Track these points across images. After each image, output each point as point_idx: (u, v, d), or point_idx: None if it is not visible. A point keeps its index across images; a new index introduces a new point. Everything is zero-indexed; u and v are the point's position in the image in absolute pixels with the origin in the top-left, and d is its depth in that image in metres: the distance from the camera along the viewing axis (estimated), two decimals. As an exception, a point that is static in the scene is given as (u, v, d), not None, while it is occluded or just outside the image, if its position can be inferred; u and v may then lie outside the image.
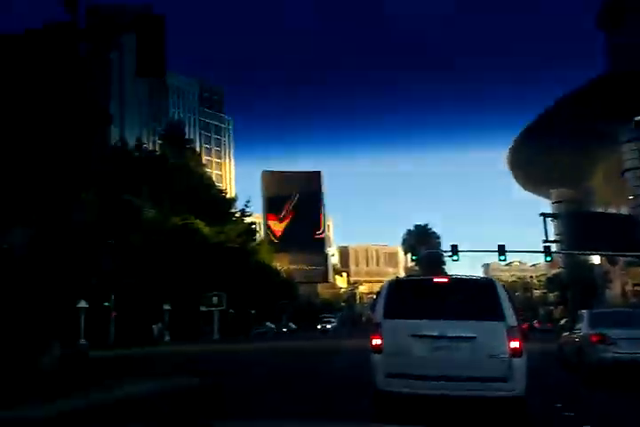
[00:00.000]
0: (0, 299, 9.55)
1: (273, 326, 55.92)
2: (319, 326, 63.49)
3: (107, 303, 36.80)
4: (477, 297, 8.11)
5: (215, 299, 47.46)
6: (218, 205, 56.43)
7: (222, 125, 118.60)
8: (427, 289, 8.40)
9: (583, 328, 13.69)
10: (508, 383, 7.27)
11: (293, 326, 64.50)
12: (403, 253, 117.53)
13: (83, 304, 33.49)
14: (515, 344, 7.40)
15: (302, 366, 16.63)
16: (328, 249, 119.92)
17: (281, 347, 29.71)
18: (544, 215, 37.67)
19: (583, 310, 15.47)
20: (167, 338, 39.92)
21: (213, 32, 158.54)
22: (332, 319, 70.37)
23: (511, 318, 7.59)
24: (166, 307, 41.56)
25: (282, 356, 22.78)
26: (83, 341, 33.84)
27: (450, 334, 7.52)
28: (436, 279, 8.58)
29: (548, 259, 41.04)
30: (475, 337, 7.51)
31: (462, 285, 8.65)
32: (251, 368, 16.56)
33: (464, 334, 7.52)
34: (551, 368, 14.77)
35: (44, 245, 9.45)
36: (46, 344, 9.15)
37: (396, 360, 7.58)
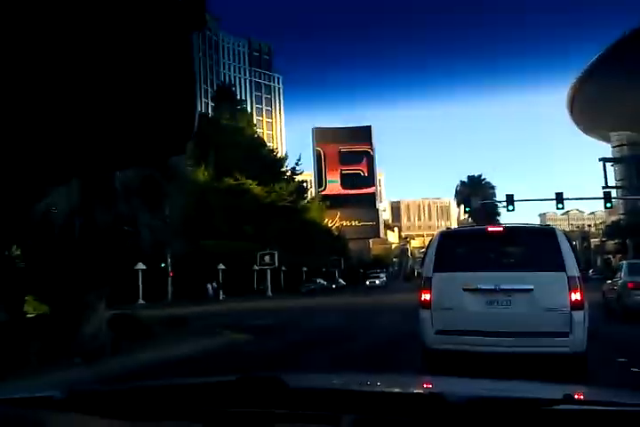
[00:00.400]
0: (44, 263, 9.60)
1: (324, 282, 56.29)
2: (367, 282, 63.47)
3: (163, 264, 37.66)
4: (536, 246, 7.52)
5: (267, 257, 48.02)
6: (269, 165, 56.39)
7: (272, 84, 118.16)
8: (480, 239, 7.86)
9: (623, 277, 15.42)
10: (568, 338, 6.72)
11: (342, 282, 64.62)
12: (455, 205, 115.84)
13: (140, 266, 34.31)
14: (576, 296, 6.82)
15: (346, 323, 16.46)
16: (379, 204, 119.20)
17: (325, 303, 29.82)
18: (604, 160, 35.87)
19: (623, 261, 17.62)
20: (222, 296, 40.71)
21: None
22: (381, 275, 70.03)
23: (572, 268, 7.00)
24: (221, 266, 42.24)
25: (325, 312, 22.76)
26: (141, 301, 34.91)
27: (505, 287, 7.00)
28: (490, 228, 8.02)
29: (609, 205, 39.19)
30: (532, 289, 6.97)
31: (519, 233, 8.06)
32: (298, 324, 16.59)
33: (521, 287, 6.99)
34: (595, 314, 14.65)
35: (88, 209, 9.32)
36: (91, 306, 9.15)
37: (446, 316, 7.12)
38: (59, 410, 1.55)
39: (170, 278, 38.88)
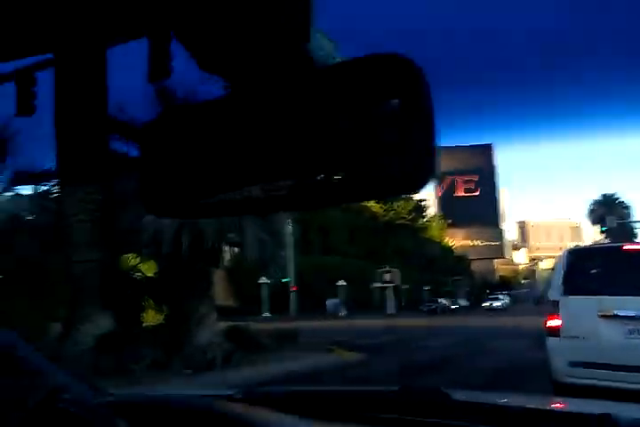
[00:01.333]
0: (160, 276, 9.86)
1: (445, 302, 54.69)
2: (486, 304, 61.02)
3: (285, 279, 38.28)
4: None
5: (388, 275, 47.77)
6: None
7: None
8: (615, 259, 6.94)
9: None
10: None
11: (463, 302, 62.69)
12: (587, 225, 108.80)
13: (264, 280, 35.06)
14: None
15: (464, 346, 15.63)
16: (503, 224, 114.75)
17: (444, 323, 28.90)
18: None
19: None
20: (343, 312, 40.67)
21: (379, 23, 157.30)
22: (500, 296, 67.00)
23: None
24: (342, 283, 42.41)
25: (443, 333, 21.83)
26: (267, 313, 35.71)
27: None
28: (626, 246, 7.06)
29: None
30: None
31: None
32: (413, 345, 16.04)
33: None
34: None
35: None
36: (201, 318, 9.19)
37: (579, 346, 6.27)
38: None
39: (292, 293, 39.53)
